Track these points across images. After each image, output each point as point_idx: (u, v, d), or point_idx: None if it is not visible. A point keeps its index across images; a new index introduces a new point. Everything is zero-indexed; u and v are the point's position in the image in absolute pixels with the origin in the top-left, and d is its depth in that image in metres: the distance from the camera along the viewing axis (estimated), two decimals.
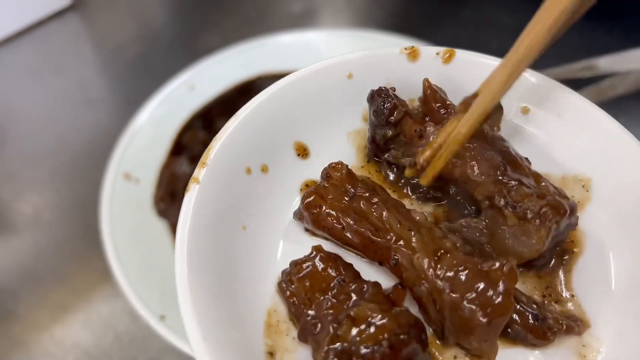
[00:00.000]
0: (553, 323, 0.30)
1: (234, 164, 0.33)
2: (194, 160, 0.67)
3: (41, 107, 0.83)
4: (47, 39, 0.92)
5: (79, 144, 0.77)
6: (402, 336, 0.27)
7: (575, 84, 0.63)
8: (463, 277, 0.28)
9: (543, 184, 0.31)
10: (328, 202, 0.32)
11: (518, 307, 0.30)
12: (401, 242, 0.30)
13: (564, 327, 0.30)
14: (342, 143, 0.37)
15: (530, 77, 0.35)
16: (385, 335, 0.27)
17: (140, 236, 0.62)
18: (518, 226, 0.30)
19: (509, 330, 0.30)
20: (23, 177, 0.74)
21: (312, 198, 0.33)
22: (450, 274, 0.28)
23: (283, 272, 0.32)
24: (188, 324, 0.27)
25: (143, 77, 0.84)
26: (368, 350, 0.27)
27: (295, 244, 0.34)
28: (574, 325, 0.30)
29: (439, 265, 0.29)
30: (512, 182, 0.31)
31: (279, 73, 0.76)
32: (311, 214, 0.33)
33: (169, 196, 0.64)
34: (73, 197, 0.71)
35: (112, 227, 0.60)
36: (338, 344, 0.27)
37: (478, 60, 0.35)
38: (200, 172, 0.31)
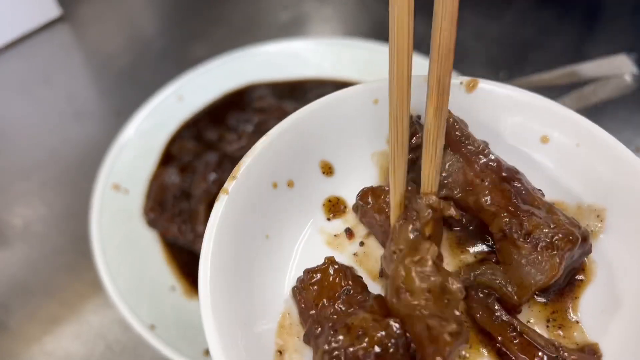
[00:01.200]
0: None
1: (261, 178, 0.35)
2: (183, 170, 0.67)
3: (30, 119, 0.83)
4: (37, 51, 0.92)
5: (69, 156, 0.77)
6: (390, 347, 0.29)
7: (558, 91, 0.64)
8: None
9: (555, 214, 0.32)
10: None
11: (538, 350, 0.31)
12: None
13: None
14: (366, 163, 0.39)
15: (551, 106, 0.36)
16: (374, 346, 0.29)
17: (129, 246, 0.62)
18: (532, 256, 0.31)
19: None
20: (13, 190, 0.74)
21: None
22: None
23: (298, 278, 0.34)
24: (205, 318, 0.28)
25: (132, 89, 0.85)
26: (357, 357, 0.29)
27: (313, 254, 0.35)
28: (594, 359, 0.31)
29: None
30: (524, 213, 0.32)
31: (267, 82, 0.77)
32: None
33: (158, 206, 0.65)
34: (63, 209, 0.71)
35: (102, 238, 0.61)
36: (332, 348, 0.29)
37: (499, 90, 0.36)
38: (230, 184, 0.33)
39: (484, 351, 0.32)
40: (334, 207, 0.38)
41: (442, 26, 0.29)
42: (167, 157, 0.70)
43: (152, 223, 0.64)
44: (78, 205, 0.68)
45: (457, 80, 0.37)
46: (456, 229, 0.36)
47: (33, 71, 0.89)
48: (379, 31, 0.90)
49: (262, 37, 0.86)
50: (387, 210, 0.35)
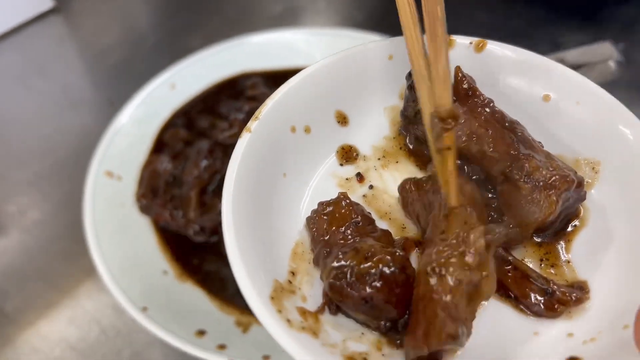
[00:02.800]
0: (562, 296, 0.33)
1: (281, 121, 0.38)
2: (176, 157, 0.68)
3: (25, 109, 0.84)
4: (31, 42, 0.93)
5: (64, 146, 0.78)
6: (395, 270, 0.31)
7: None
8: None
9: (553, 160, 0.35)
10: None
11: (532, 284, 0.33)
12: None
13: (573, 299, 0.33)
14: (379, 116, 0.42)
15: (553, 66, 0.38)
16: (380, 266, 0.31)
17: (122, 232, 0.63)
18: (531, 195, 0.33)
19: (521, 303, 0.34)
20: (8, 178, 0.75)
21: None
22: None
23: (312, 210, 0.37)
24: (228, 239, 0.31)
25: (126, 79, 0.85)
26: (363, 275, 0.31)
27: (325, 193, 0.38)
28: (582, 295, 0.33)
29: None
30: (525, 157, 0.34)
31: (259, 72, 0.78)
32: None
33: (151, 193, 0.65)
34: (58, 197, 0.72)
35: (96, 224, 0.61)
36: (340, 266, 0.32)
37: (505, 52, 0.39)
38: (252, 124, 0.36)
39: None
40: (347, 154, 0.41)
41: None
42: (160, 145, 0.71)
43: (144, 209, 0.65)
44: (73, 193, 0.68)
45: (467, 41, 0.39)
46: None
47: (27, 62, 0.90)
48: (372, 23, 0.91)
49: (255, 28, 0.87)
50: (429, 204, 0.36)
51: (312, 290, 0.35)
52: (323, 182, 0.40)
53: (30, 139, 0.79)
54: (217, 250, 0.63)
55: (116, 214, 0.64)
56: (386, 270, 0.31)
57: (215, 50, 0.78)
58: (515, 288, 0.34)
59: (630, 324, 0.29)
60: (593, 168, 0.36)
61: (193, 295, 0.59)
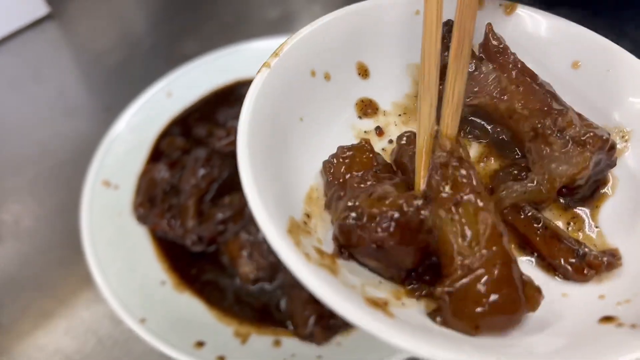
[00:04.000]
0: (593, 260, 0.32)
1: (302, 63, 0.36)
2: (173, 166, 0.68)
3: (21, 115, 0.83)
4: (26, 48, 0.92)
5: (59, 152, 0.77)
6: (410, 215, 0.29)
7: None
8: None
9: (586, 119, 0.34)
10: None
11: (561, 243, 0.32)
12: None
13: (605, 264, 0.32)
14: (401, 73, 0.41)
15: (584, 32, 0.37)
16: (394, 209, 0.29)
17: (120, 242, 0.62)
18: (563, 150, 0.33)
19: (550, 264, 0.33)
20: (3, 186, 0.74)
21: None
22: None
23: (331, 154, 0.36)
24: (244, 176, 0.30)
25: (122, 85, 0.85)
26: (374, 218, 0.30)
27: (343, 141, 0.37)
28: (614, 261, 0.32)
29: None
30: (558, 112, 0.33)
31: None
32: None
33: (148, 202, 0.65)
34: (54, 205, 0.72)
35: (92, 233, 0.61)
36: (353, 206, 0.31)
37: (534, 15, 0.38)
38: (272, 60, 0.34)
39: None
40: (366, 107, 0.40)
41: None
42: (157, 153, 0.70)
43: (141, 218, 0.64)
44: (69, 201, 0.68)
45: (497, 2, 0.38)
46: (482, 141, 0.38)
47: (23, 68, 0.89)
48: None
49: (251, 33, 0.86)
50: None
51: (327, 235, 0.33)
52: (340, 132, 0.39)
53: (25, 145, 0.79)
54: (215, 259, 0.62)
55: (113, 223, 0.64)
56: (400, 214, 0.29)
57: (211, 57, 0.78)
58: (544, 248, 0.33)
59: None
60: (623, 136, 0.36)
61: (191, 305, 0.59)
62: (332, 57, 0.38)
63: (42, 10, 0.94)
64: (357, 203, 0.31)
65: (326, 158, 0.36)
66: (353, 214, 0.30)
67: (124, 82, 0.86)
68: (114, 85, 0.86)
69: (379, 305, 0.29)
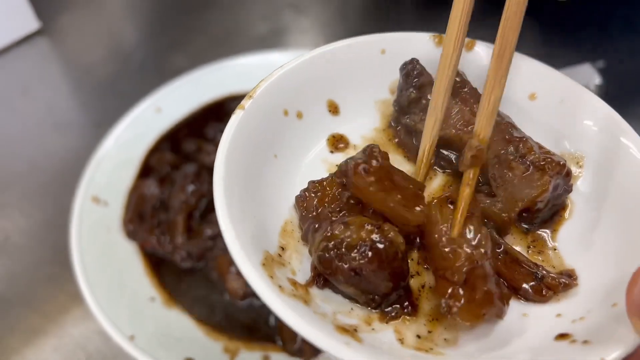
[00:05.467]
0: (550, 282, 0.34)
1: (274, 103, 0.39)
2: (162, 182, 0.68)
3: (10, 130, 0.83)
4: (16, 63, 0.92)
5: (48, 167, 0.77)
6: (386, 243, 0.32)
7: None
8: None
9: (544, 147, 0.36)
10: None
11: (521, 267, 0.34)
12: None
13: (562, 285, 0.34)
14: (369, 108, 0.43)
15: (538, 67, 0.40)
16: (371, 238, 0.32)
17: (109, 258, 0.62)
18: (524, 175, 0.35)
19: (511, 286, 0.34)
20: None
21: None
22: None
23: (302, 189, 0.37)
24: (219, 207, 0.31)
25: (112, 100, 0.85)
26: (352, 247, 0.32)
27: (315, 175, 0.38)
28: (571, 281, 0.34)
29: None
30: (519, 139, 0.36)
31: (245, 94, 0.78)
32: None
33: (138, 218, 0.65)
34: (43, 221, 0.72)
35: (82, 250, 0.61)
36: (330, 236, 0.32)
37: (491, 50, 0.40)
38: (247, 102, 0.37)
39: None
40: (337, 142, 0.42)
41: None
42: (146, 169, 0.71)
43: (131, 234, 0.65)
44: (58, 217, 0.68)
45: (488, 46, 0.41)
46: (447, 171, 0.40)
47: (12, 83, 0.89)
48: None
49: (240, 48, 0.87)
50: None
51: (301, 266, 0.35)
52: (313, 166, 0.40)
53: (14, 161, 0.79)
54: (204, 276, 0.63)
55: (102, 239, 0.64)
56: (377, 242, 0.31)
57: (200, 73, 0.78)
58: (505, 271, 0.34)
59: (619, 302, 0.29)
60: (577, 162, 0.38)
61: (181, 321, 0.59)
62: (303, 97, 0.40)
63: (33, 25, 0.94)
64: (334, 233, 0.32)
65: (298, 193, 0.37)
66: (331, 244, 0.32)
67: (113, 97, 0.86)
68: (104, 100, 0.87)
69: (348, 331, 0.31)
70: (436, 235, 0.33)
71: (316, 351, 0.56)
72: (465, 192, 0.34)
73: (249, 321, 0.59)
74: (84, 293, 0.58)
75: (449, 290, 0.31)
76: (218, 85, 0.78)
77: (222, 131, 0.71)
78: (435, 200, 0.34)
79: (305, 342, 0.55)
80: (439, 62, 0.36)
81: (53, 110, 0.85)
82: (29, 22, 0.94)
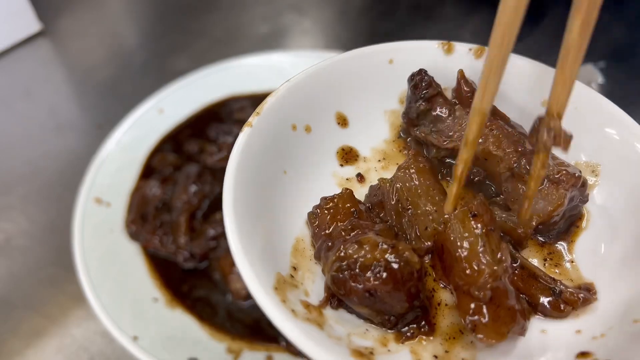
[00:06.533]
0: (569, 297, 0.33)
1: (282, 118, 0.38)
2: (164, 182, 0.68)
3: (12, 133, 0.83)
4: (18, 65, 0.92)
5: (50, 169, 0.77)
6: (401, 263, 0.31)
7: None
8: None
9: (558, 158, 0.35)
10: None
11: (538, 282, 0.33)
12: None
13: (581, 300, 0.33)
14: (379, 119, 0.42)
15: (551, 73, 0.38)
16: (385, 258, 0.31)
17: (112, 259, 0.62)
18: (540, 189, 0.34)
19: (528, 302, 0.34)
20: None
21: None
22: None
23: (314, 205, 0.37)
24: (230, 234, 0.31)
25: (114, 102, 0.85)
26: (367, 267, 0.31)
27: (326, 193, 0.38)
28: (590, 296, 0.33)
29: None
30: (532, 153, 0.34)
31: (247, 95, 0.78)
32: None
33: (140, 219, 0.65)
34: (45, 223, 0.72)
35: (84, 251, 0.61)
36: (344, 256, 0.32)
37: None
38: (254, 119, 0.36)
39: None
40: (347, 155, 0.41)
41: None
42: (148, 170, 0.71)
43: (133, 235, 0.65)
44: (60, 219, 0.68)
45: (466, 47, 0.40)
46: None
47: (14, 85, 0.90)
48: (358, 43, 0.92)
49: (242, 49, 0.87)
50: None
51: (314, 286, 0.34)
52: (323, 181, 0.40)
53: (16, 163, 0.79)
54: (207, 276, 0.63)
55: (105, 240, 0.64)
56: (391, 262, 0.31)
57: (202, 74, 0.79)
58: (522, 287, 0.34)
59: None
60: (593, 171, 0.37)
61: (184, 322, 0.59)
62: (311, 111, 0.39)
63: (35, 27, 0.94)
64: (347, 253, 0.32)
65: (310, 209, 0.37)
66: (345, 264, 0.31)
67: (115, 99, 0.86)
68: (105, 102, 0.87)
69: (364, 355, 0.30)
70: (458, 251, 0.31)
71: None
72: (540, 174, 0.33)
73: (252, 321, 0.59)
74: (87, 294, 0.58)
75: (472, 307, 0.30)
76: (220, 86, 0.78)
77: (224, 132, 0.73)
78: (456, 212, 0.33)
79: None
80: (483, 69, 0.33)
81: (55, 112, 0.85)
82: (31, 24, 0.94)
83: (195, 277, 0.63)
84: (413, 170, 0.36)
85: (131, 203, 0.67)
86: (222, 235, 0.63)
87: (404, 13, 0.97)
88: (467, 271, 0.30)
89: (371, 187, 0.39)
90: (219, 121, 0.75)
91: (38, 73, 0.92)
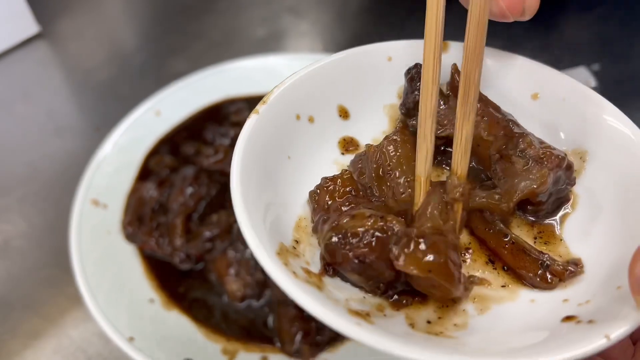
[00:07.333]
0: (557, 269, 0.35)
1: (287, 108, 0.40)
2: (161, 184, 0.69)
3: (10, 135, 0.83)
4: (15, 68, 0.93)
5: (48, 171, 0.78)
6: (387, 232, 0.33)
7: None
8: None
9: (544, 142, 0.38)
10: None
11: (527, 256, 0.36)
12: None
13: (568, 272, 0.35)
14: (378, 113, 0.45)
15: (540, 68, 0.41)
16: (373, 228, 0.34)
17: (109, 260, 0.63)
18: (524, 168, 0.36)
19: (518, 274, 0.36)
20: None
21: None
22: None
23: (315, 185, 0.39)
24: (238, 211, 0.33)
25: (112, 104, 0.85)
26: (355, 236, 0.34)
27: (328, 174, 0.41)
28: (577, 269, 0.35)
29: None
30: (519, 135, 0.37)
31: (244, 97, 0.79)
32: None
33: (137, 220, 0.66)
34: (43, 224, 0.72)
35: (81, 252, 0.62)
36: (337, 226, 0.35)
37: (494, 54, 0.42)
38: (261, 107, 0.38)
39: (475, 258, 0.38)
40: (348, 144, 0.44)
41: (470, 28, 0.34)
42: (145, 172, 0.71)
43: (130, 237, 0.65)
44: (58, 220, 0.69)
45: (461, 45, 0.41)
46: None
47: (12, 87, 0.90)
48: (354, 46, 0.92)
49: (239, 51, 0.88)
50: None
51: (314, 257, 0.37)
52: (325, 166, 0.42)
53: (14, 165, 0.79)
54: (203, 277, 0.63)
55: (102, 242, 0.64)
56: (379, 230, 0.33)
57: (199, 76, 0.79)
58: (512, 260, 0.36)
59: (623, 284, 0.30)
60: (581, 157, 0.39)
61: (180, 323, 0.59)
62: (314, 103, 0.42)
63: (32, 29, 0.95)
64: (340, 224, 0.35)
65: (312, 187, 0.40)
66: (337, 234, 0.34)
67: (113, 101, 0.86)
68: (104, 104, 0.87)
69: (361, 315, 0.32)
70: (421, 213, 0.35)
71: (314, 352, 0.56)
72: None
73: (248, 322, 0.60)
74: (84, 295, 0.58)
75: (405, 241, 0.33)
76: (217, 89, 0.79)
77: (221, 134, 0.74)
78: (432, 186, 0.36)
79: (303, 343, 0.55)
80: (421, 90, 0.37)
81: (53, 114, 0.86)
82: (29, 26, 0.94)
83: (191, 279, 0.63)
84: (398, 140, 0.39)
85: (128, 205, 0.68)
86: (218, 237, 0.64)
87: (400, 16, 0.98)
88: (417, 223, 0.34)
89: (357, 154, 0.41)
90: (215, 123, 0.76)
91: (36, 75, 0.92)
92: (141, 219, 0.66)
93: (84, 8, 1.05)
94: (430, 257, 0.32)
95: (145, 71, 0.92)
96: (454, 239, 0.34)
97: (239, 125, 0.74)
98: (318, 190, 0.39)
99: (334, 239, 0.34)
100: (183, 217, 0.65)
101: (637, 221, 0.35)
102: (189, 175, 0.68)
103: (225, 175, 0.71)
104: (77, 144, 0.81)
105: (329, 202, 0.38)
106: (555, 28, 0.91)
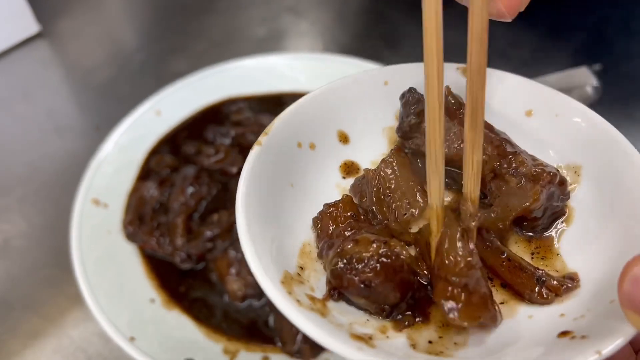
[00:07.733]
0: (553, 284, 0.36)
1: (288, 137, 0.41)
2: (162, 184, 0.69)
3: (10, 134, 0.83)
4: (16, 67, 0.93)
5: (49, 171, 0.78)
6: (392, 256, 0.35)
7: None
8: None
9: (537, 159, 0.39)
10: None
11: (524, 272, 0.36)
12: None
13: (564, 288, 0.36)
14: (377, 135, 0.45)
15: (533, 86, 0.42)
16: (378, 252, 0.35)
17: (109, 260, 0.63)
18: (518, 186, 0.37)
19: (515, 291, 0.37)
20: None
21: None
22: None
23: (318, 211, 0.40)
24: (244, 242, 0.34)
25: (112, 103, 0.85)
26: (361, 261, 0.34)
27: (330, 199, 0.41)
28: (573, 284, 0.36)
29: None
30: (512, 154, 0.38)
31: (244, 97, 0.79)
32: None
33: (137, 220, 0.66)
34: (43, 224, 0.72)
35: (82, 252, 0.62)
36: (342, 251, 0.35)
37: (489, 74, 0.41)
38: (262, 138, 0.39)
39: None
40: (349, 168, 0.45)
41: (472, 47, 0.34)
42: (146, 171, 0.71)
43: (131, 236, 0.65)
44: (58, 220, 0.69)
45: (454, 66, 0.43)
46: (454, 187, 0.42)
47: (12, 87, 0.90)
48: (355, 45, 0.92)
49: (240, 51, 0.88)
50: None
51: (319, 283, 0.37)
52: (328, 190, 0.43)
53: (14, 164, 0.79)
54: (204, 277, 0.63)
55: (103, 241, 0.64)
56: (383, 255, 0.34)
57: (200, 76, 0.79)
58: (509, 277, 0.37)
59: (616, 298, 0.31)
60: (575, 172, 0.40)
61: (180, 323, 0.59)
62: (314, 130, 0.43)
63: (33, 28, 0.95)
64: (345, 249, 0.36)
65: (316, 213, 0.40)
66: (343, 259, 0.35)
67: (113, 101, 0.86)
68: (104, 104, 0.87)
69: (363, 339, 0.33)
70: (441, 244, 0.35)
71: (315, 352, 0.56)
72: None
73: (249, 322, 0.60)
74: (84, 295, 0.58)
75: (449, 290, 0.33)
76: (217, 88, 0.79)
77: (221, 134, 0.74)
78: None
79: (304, 343, 0.55)
80: (427, 123, 0.36)
81: (53, 113, 0.86)
82: (29, 26, 0.94)
83: (192, 278, 0.63)
84: (394, 162, 0.40)
85: (129, 204, 0.67)
86: (219, 237, 0.64)
87: (400, 16, 0.98)
88: (446, 261, 0.34)
89: (356, 178, 0.42)
90: (216, 123, 0.76)
91: (36, 75, 0.92)
92: (142, 219, 0.66)
93: (84, 7, 1.05)
94: (476, 308, 0.32)
95: (145, 71, 0.92)
96: (483, 268, 0.34)
97: (240, 124, 0.75)
98: (320, 217, 0.40)
99: (340, 264, 0.35)
100: (184, 216, 0.65)
101: (630, 235, 0.35)
102: (189, 174, 0.68)
103: (226, 174, 0.71)
104: (77, 143, 0.81)
105: (332, 228, 0.39)
106: (556, 28, 0.91)
